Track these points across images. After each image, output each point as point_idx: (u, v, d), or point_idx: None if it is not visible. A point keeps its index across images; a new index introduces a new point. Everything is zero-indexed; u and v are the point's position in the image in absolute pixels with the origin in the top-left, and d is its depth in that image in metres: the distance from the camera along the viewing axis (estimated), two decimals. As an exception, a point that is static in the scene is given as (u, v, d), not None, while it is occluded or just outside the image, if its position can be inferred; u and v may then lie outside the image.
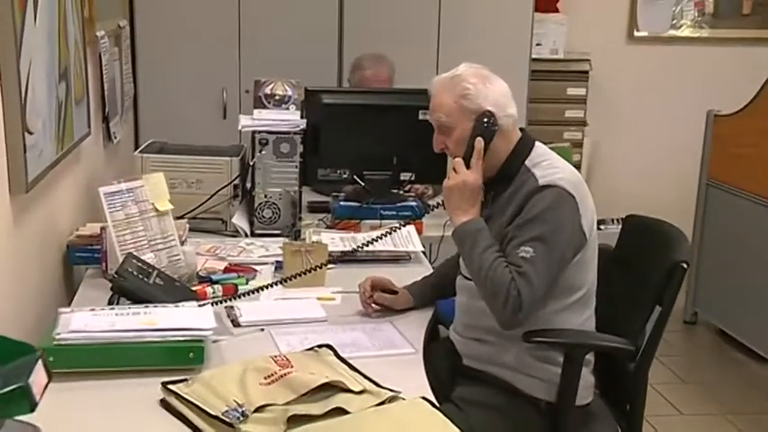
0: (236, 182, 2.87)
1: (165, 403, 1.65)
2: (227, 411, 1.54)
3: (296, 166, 2.83)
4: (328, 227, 2.90)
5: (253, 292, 2.21)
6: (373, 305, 2.22)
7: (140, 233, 2.32)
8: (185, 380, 1.68)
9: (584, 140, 4.86)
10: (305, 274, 2.27)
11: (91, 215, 2.66)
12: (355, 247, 2.40)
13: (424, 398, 1.64)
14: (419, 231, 2.75)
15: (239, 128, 2.85)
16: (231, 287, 2.27)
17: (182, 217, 2.65)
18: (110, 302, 2.06)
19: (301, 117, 2.88)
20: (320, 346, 1.86)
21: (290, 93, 2.90)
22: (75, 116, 2.49)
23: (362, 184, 2.97)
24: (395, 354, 1.97)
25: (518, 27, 4.34)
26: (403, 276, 2.34)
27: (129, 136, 3.98)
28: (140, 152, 2.92)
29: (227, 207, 2.86)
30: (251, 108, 2.92)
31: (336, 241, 2.62)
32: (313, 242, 2.54)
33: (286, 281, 2.25)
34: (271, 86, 2.90)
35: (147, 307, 1.90)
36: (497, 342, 2.06)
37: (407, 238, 2.66)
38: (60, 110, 2.30)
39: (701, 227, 4.28)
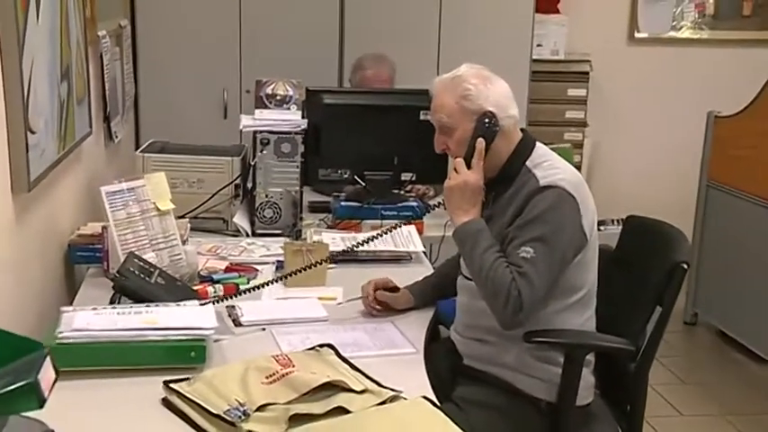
0: (237, 181, 2.87)
1: (166, 402, 1.66)
2: (228, 410, 1.54)
3: (297, 166, 2.83)
4: (329, 227, 2.90)
5: (253, 290, 2.22)
6: (377, 306, 2.22)
7: (142, 232, 2.32)
8: (187, 379, 1.69)
9: (585, 141, 4.87)
10: (305, 270, 2.27)
11: (92, 214, 2.66)
12: (354, 245, 2.40)
13: (425, 397, 1.65)
14: (420, 231, 2.76)
15: (241, 128, 2.86)
16: (232, 287, 2.27)
17: (183, 216, 2.65)
18: (111, 301, 2.07)
19: (302, 117, 2.88)
20: (321, 346, 1.86)
21: (291, 93, 2.90)
22: (76, 115, 2.50)
23: (363, 184, 2.98)
24: (396, 353, 1.98)
25: (519, 28, 4.34)
26: (404, 276, 2.34)
27: (129, 136, 3.98)
28: (142, 152, 2.92)
29: (228, 207, 2.86)
30: (251, 108, 2.92)
31: (337, 241, 2.62)
32: (314, 242, 2.54)
33: (287, 277, 2.26)
34: (272, 86, 2.90)
35: (148, 306, 1.91)
36: (498, 342, 2.06)
37: (408, 238, 2.67)
38: (62, 109, 2.31)
39: (701, 228, 4.28)
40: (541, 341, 2.02)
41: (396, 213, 2.89)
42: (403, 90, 3.28)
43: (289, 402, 1.57)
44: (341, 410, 1.58)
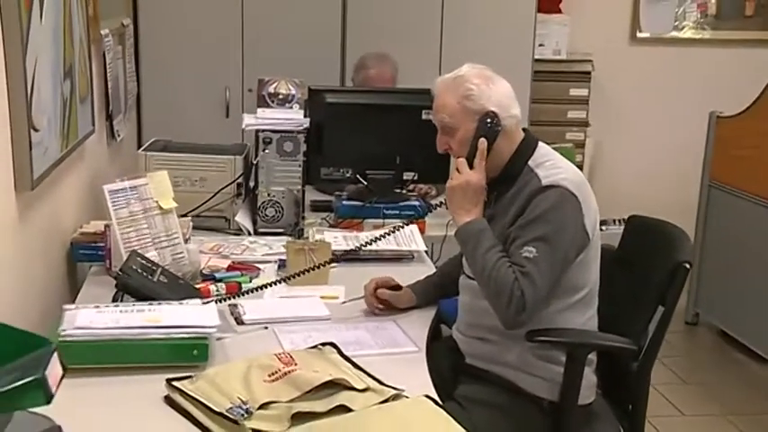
0: (239, 180, 2.88)
1: (169, 400, 1.66)
2: (231, 408, 1.54)
3: (299, 165, 2.84)
4: (331, 226, 2.91)
5: (256, 290, 2.22)
6: (378, 305, 2.22)
7: (144, 231, 2.32)
8: (190, 377, 1.69)
9: (587, 141, 4.87)
10: (308, 272, 2.27)
11: (95, 213, 2.67)
12: (357, 246, 2.40)
13: (427, 396, 1.65)
14: (422, 231, 2.76)
15: (243, 126, 2.86)
16: (234, 285, 2.28)
17: (185, 215, 2.65)
18: (114, 300, 2.07)
19: (305, 116, 2.89)
20: (324, 344, 1.87)
21: (293, 92, 2.91)
22: (79, 114, 2.50)
23: (365, 183, 2.98)
24: (398, 352, 1.98)
25: (521, 28, 4.35)
26: (406, 276, 2.34)
27: (132, 134, 3.99)
28: (144, 150, 2.93)
29: (230, 205, 2.87)
30: (253, 107, 2.92)
31: (339, 240, 2.62)
32: (316, 240, 2.54)
33: (289, 279, 2.26)
34: (274, 85, 2.90)
35: (151, 304, 1.91)
36: (500, 341, 2.06)
37: (410, 238, 2.67)
38: (65, 108, 2.31)
39: (703, 228, 4.28)
40: (544, 340, 2.02)
41: (398, 213, 2.90)
42: (405, 89, 3.28)
43: (291, 400, 1.58)
44: (343, 409, 1.58)
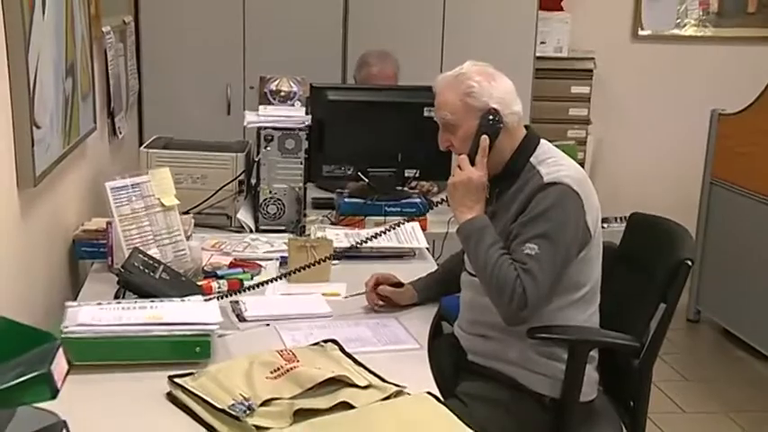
0: (241, 177, 2.88)
1: (171, 397, 1.66)
2: (233, 405, 1.54)
3: (301, 163, 2.84)
4: (333, 223, 2.91)
5: (258, 286, 2.22)
6: (379, 301, 2.22)
7: (146, 228, 2.33)
8: (192, 373, 1.69)
9: (588, 138, 4.87)
10: (309, 267, 2.28)
11: (96, 210, 2.67)
12: (358, 242, 2.40)
13: (428, 393, 1.65)
14: (423, 228, 2.76)
15: (245, 124, 2.86)
16: (236, 282, 2.28)
17: (187, 212, 2.66)
18: (116, 297, 2.07)
19: (306, 113, 2.89)
20: (326, 341, 1.87)
21: (295, 89, 2.91)
22: (81, 111, 2.50)
23: (367, 180, 2.98)
24: (400, 349, 1.98)
25: (522, 25, 4.34)
26: (407, 273, 2.35)
27: (133, 131, 3.99)
28: (146, 147, 2.93)
29: (232, 203, 2.87)
30: (255, 104, 2.92)
31: (341, 237, 2.62)
32: (318, 238, 2.55)
33: (290, 274, 2.26)
34: (276, 83, 2.91)
35: (153, 301, 1.91)
36: (502, 338, 2.06)
37: (412, 235, 2.67)
38: (67, 105, 2.31)
39: (705, 225, 4.28)
40: (545, 337, 2.03)
41: (399, 210, 2.90)
42: (407, 87, 3.28)
43: (293, 397, 1.58)
44: (345, 405, 1.58)
